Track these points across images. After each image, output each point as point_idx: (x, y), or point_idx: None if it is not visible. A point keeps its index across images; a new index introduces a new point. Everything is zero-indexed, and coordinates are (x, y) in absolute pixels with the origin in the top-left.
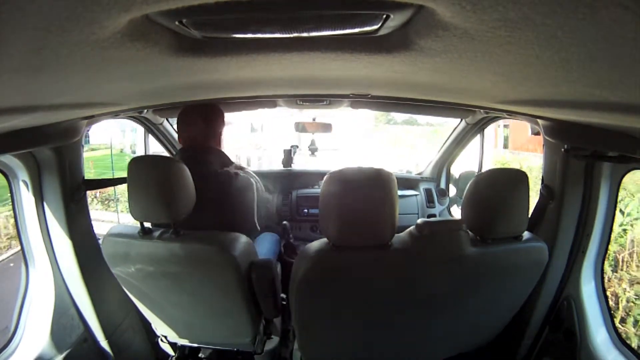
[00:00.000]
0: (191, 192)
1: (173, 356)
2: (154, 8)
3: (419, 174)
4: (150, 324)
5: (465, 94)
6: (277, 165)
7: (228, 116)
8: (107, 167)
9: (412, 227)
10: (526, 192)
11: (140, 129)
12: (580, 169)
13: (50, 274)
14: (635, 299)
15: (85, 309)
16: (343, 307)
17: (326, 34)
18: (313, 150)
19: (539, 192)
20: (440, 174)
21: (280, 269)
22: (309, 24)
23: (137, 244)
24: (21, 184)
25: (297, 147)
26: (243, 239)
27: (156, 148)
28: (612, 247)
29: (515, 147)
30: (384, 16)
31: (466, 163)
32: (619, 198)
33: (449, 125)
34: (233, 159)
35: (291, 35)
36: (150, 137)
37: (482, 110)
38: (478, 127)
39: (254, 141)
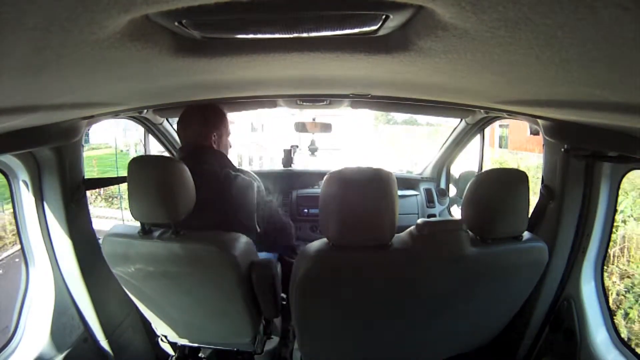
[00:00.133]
0: (191, 192)
1: (173, 356)
2: (153, 8)
3: (419, 174)
4: (150, 324)
5: (465, 94)
6: (278, 165)
7: (229, 116)
8: (109, 165)
9: (412, 227)
10: (526, 192)
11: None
12: (580, 169)
13: (50, 274)
14: (625, 292)
15: (85, 308)
16: (343, 307)
17: (326, 35)
18: (313, 150)
19: (537, 192)
20: (440, 174)
21: (280, 269)
22: (308, 24)
23: (137, 244)
24: (21, 184)
25: (297, 147)
26: (243, 239)
27: (157, 148)
28: None
29: (514, 147)
30: (384, 16)
31: (465, 163)
32: None
33: (449, 125)
34: (235, 158)
35: (291, 36)
36: (151, 137)
37: (482, 110)
38: (478, 127)
39: (255, 140)
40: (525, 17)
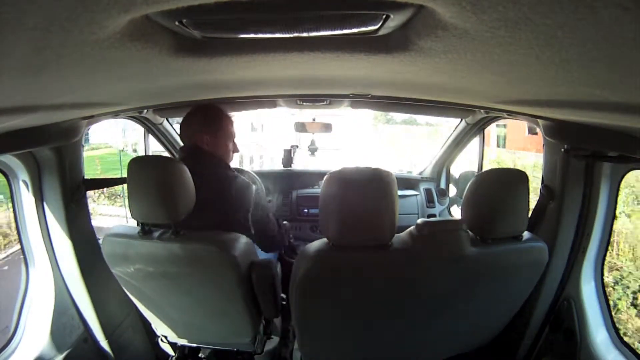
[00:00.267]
0: (191, 192)
1: (173, 356)
2: (153, 8)
3: (419, 174)
4: (150, 324)
5: (465, 94)
6: (278, 165)
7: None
8: (110, 164)
9: (412, 227)
10: (526, 192)
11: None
12: (580, 169)
13: (50, 274)
14: (614, 284)
15: (85, 308)
16: (343, 307)
17: (326, 34)
18: (313, 150)
19: (533, 190)
20: (440, 174)
21: (280, 269)
22: (308, 24)
23: (137, 244)
24: (21, 184)
25: (297, 147)
26: (243, 239)
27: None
28: None
29: (512, 147)
30: (384, 16)
31: (464, 163)
32: None
33: (448, 125)
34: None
35: (291, 36)
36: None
37: (482, 110)
38: (478, 127)
39: (255, 140)
40: (525, 17)
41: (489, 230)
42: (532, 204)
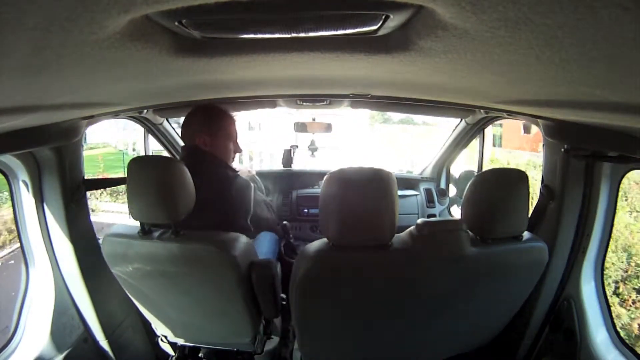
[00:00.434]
0: (191, 192)
1: (173, 356)
2: (153, 8)
3: (419, 174)
4: (150, 324)
5: (465, 94)
6: (277, 165)
7: None
8: (109, 162)
9: (412, 227)
10: (526, 192)
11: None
12: (580, 169)
13: (50, 274)
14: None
15: (85, 308)
16: (343, 307)
17: (326, 34)
18: (313, 150)
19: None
20: (440, 174)
21: (280, 269)
22: (308, 24)
23: (137, 244)
24: (21, 184)
25: (297, 147)
26: (243, 239)
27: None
28: None
29: (507, 146)
30: (384, 16)
31: (463, 163)
32: None
33: (447, 125)
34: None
35: (291, 36)
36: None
37: (482, 110)
38: (478, 127)
39: (253, 140)
40: (525, 17)
41: (489, 230)
42: (532, 204)
